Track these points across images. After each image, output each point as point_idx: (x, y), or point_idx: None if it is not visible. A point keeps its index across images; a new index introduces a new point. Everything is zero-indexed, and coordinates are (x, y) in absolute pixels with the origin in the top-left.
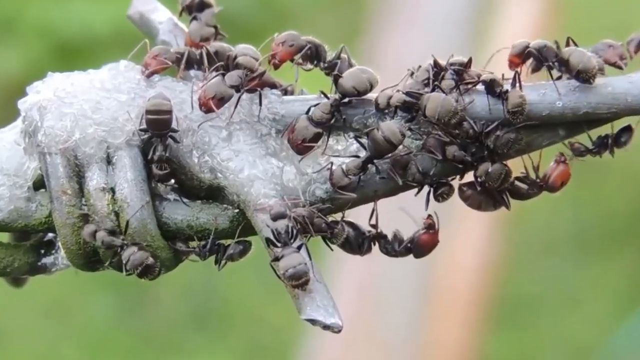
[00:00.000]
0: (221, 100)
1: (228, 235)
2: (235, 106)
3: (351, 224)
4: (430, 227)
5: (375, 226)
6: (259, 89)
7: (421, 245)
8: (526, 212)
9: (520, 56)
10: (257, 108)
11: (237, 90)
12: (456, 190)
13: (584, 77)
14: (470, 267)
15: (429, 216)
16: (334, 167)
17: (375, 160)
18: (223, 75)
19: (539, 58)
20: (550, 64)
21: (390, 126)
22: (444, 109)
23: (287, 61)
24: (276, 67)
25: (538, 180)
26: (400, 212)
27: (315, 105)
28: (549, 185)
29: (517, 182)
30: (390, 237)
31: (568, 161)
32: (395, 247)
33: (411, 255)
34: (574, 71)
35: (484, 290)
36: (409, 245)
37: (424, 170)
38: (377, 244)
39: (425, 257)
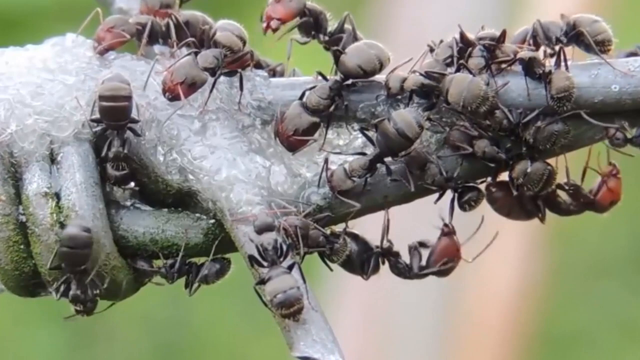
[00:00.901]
0: (192, 86)
1: (202, 252)
2: (210, 92)
3: (356, 238)
4: (446, 233)
5: (386, 240)
6: (239, 70)
7: (439, 258)
8: (572, 226)
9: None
10: (237, 93)
11: (213, 74)
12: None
13: (603, 48)
14: (504, 292)
15: (446, 224)
16: (334, 167)
17: (385, 159)
18: (196, 54)
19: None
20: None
21: (405, 116)
22: (471, 93)
23: (281, 29)
24: (274, 30)
25: (582, 192)
26: (418, 224)
27: (310, 89)
28: (595, 204)
29: (559, 192)
30: (406, 252)
31: (619, 174)
32: (411, 267)
33: (431, 276)
34: (590, 41)
35: (521, 322)
36: (426, 264)
37: (446, 171)
38: (386, 262)
39: (448, 277)
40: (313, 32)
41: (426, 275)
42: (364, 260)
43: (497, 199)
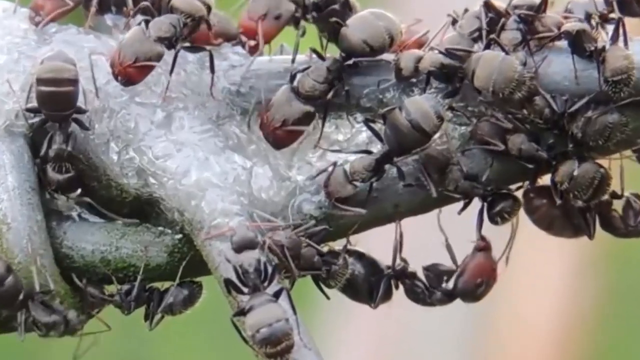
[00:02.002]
0: (146, 66)
1: (165, 275)
2: (171, 71)
3: (361, 257)
4: (481, 248)
5: (399, 259)
6: (208, 47)
7: (472, 279)
8: (629, 242)
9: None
10: (209, 75)
11: (170, 47)
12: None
13: None
14: (544, 321)
15: (482, 237)
16: (332, 168)
17: (396, 158)
18: (147, 23)
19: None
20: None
21: (420, 104)
22: (503, 76)
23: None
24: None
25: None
26: (436, 239)
27: (303, 71)
28: None
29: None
30: (423, 274)
31: None
32: (432, 290)
33: (457, 301)
34: None
35: (564, 356)
36: (454, 286)
37: (472, 173)
38: (400, 286)
39: (477, 302)
40: (297, 13)
41: (452, 300)
42: (371, 284)
43: (537, 209)
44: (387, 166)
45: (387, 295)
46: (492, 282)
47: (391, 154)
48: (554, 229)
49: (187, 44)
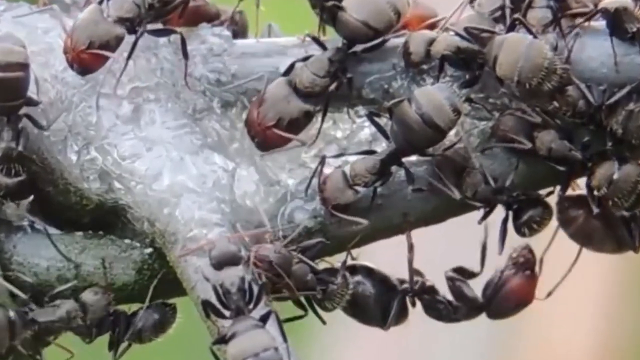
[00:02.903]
0: (104, 50)
1: (133, 296)
2: (128, 57)
3: (370, 273)
4: (525, 266)
5: (416, 274)
6: (179, 29)
7: (509, 299)
8: None
9: None
10: (183, 62)
11: (131, 30)
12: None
13: None
14: (576, 349)
15: (526, 247)
16: (328, 171)
17: (404, 159)
18: (101, 2)
19: None
20: None
21: (433, 95)
22: (530, 63)
23: None
24: None
25: None
26: (452, 248)
27: (304, 60)
28: None
29: None
30: (448, 285)
31: None
32: (456, 305)
33: (480, 319)
34: None
35: None
36: (483, 300)
37: (495, 177)
38: (418, 302)
39: (502, 320)
40: None
41: (479, 314)
42: (384, 304)
43: (573, 221)
44: (393, 168)
45: (403, 315)
46: (529, 301)
47: (398, 153)
48: (593, 243)
49: (156, 27)
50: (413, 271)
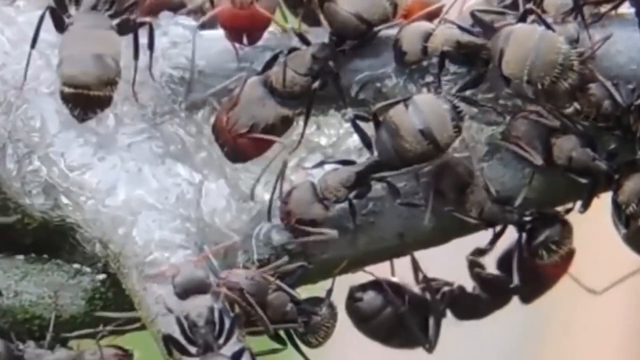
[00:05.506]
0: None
1: (83, 330)
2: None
3: (397, 290)
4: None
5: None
6: (133, 16)
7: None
8: None
9: None
10: (145, 56)
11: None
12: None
13: None
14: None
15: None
16: (298, 181)
17: (387, 172)
18: None
19: None
20: None
21: (437, 105)
22: (542, 60)
23: None
24: None
25: None
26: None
27: (289, 54)
28: None
29: None
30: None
31: None
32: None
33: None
34: None
35: None
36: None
37: (505, 192)
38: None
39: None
40: None
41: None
42: (421, 321)
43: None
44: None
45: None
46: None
47: (382, 165)
48: None
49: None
50: (433, 289)
